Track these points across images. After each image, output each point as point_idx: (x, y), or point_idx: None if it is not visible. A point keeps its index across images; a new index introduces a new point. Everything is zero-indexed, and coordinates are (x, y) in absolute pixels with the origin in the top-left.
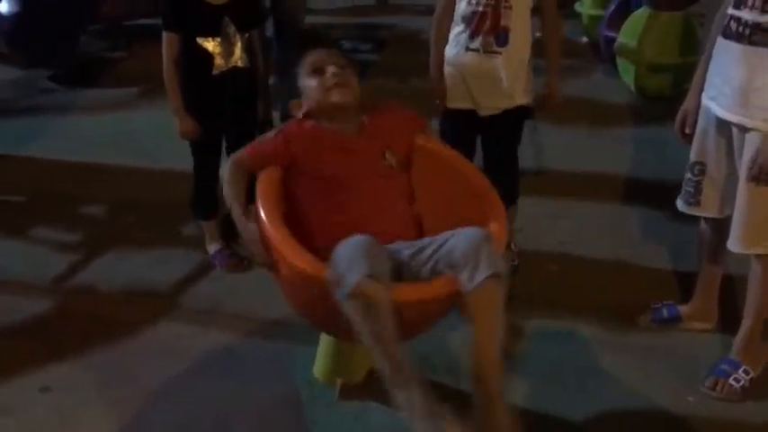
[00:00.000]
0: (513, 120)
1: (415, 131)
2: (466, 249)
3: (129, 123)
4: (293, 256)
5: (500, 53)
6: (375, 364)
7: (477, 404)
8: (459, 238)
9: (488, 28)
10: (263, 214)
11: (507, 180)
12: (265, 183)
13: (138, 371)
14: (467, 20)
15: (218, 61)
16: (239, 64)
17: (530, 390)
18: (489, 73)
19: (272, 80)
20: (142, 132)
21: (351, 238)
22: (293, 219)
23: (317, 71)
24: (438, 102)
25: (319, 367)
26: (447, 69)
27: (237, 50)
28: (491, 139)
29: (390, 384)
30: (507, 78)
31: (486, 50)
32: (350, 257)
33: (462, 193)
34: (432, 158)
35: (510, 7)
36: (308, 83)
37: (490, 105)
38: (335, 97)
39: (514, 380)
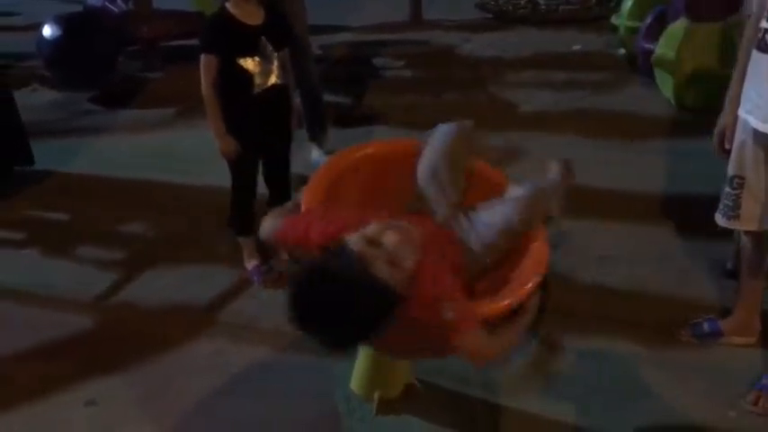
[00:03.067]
0: None
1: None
2: None
3: (167, 142)
4: None
5: None
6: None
7: None
8: None
9: None
10: None
11: None
12: None
13: (179, 386)
14: None
15: (258, 80)
16: (277, 81)
17: (570, 405)
18: None
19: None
20: (180, 151)
21: None
22: None
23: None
24: None
25: (357, 381)
26: None
27: (275, 68)
28: None
29: None
30: None
31: None
32: None
33: None
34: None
35: None
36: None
37: None
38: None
39: (553, 395)
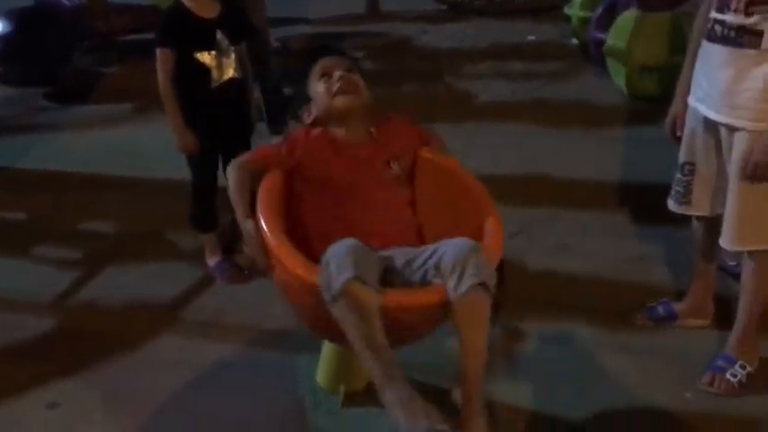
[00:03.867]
0: None
1: (420, 146)
2: (454, 257)
3: (125, 138)
4: (291, 262)
5: None
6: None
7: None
8: (449, 247)
9: None
10: (262, 222)
11: None
12: (266, 190)
13: (143, 385)
14: None
15: (215, 74)
16: (234, 75)
17: (529, 391)
18: None
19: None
20: (139, 147)
21: (340, 242)
22: (295, 222)
23: (325, 75)
24: None
25: (322, 375)
26: None
27: (231, 62)
28: None
29: (379, 385)
30: None
31: None
32: (338, 260)
33: (463, 206)
34: (434, 171)
35: None
36: (316, 88)
37: None
38: (341, 101)
39: (514, 381)
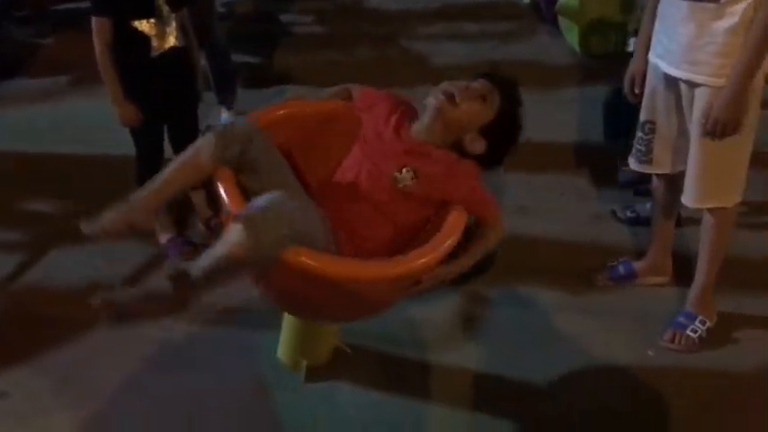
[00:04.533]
0: None
1: (453, 200)
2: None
3: (62, 112)
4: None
5: None
6: None
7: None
8: None
9: None
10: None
11: None
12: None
13: (97, 369)
14: None
15: (156, 43)
16: (176, 43)
17: (491, 354)
18: None
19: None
20: (77, 121)
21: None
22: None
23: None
24: None
25: (284, 351)
26: None
27: (173, 30)
28: None
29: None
30: None
31: None
32: (233, 122)
33: None
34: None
35: None
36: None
37: None
38: (431, 100)
39: (476, 346)
